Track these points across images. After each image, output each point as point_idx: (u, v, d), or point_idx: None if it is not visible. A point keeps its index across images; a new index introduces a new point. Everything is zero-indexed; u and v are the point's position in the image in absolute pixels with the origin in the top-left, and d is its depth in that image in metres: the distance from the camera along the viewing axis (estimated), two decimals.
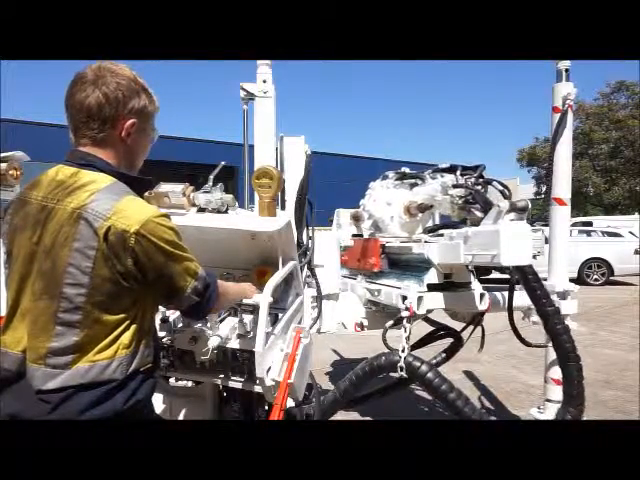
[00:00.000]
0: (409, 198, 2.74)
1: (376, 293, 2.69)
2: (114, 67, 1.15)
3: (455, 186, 2.39)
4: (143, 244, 1.05)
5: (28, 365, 1.06)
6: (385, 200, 2.83)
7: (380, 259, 2.69)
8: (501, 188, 2.45)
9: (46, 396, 1.03)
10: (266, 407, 1.80)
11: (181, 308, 1.24)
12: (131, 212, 1.06)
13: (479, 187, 2.37)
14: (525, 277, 2.21)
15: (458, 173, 2.50)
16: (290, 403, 1.66)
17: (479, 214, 2.27)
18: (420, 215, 2.71)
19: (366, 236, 3.07)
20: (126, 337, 1.09)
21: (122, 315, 1.09)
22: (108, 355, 1.06)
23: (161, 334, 1.56)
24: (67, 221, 1.05)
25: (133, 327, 1.11)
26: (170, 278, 1.12)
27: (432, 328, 3.35)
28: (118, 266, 1.05)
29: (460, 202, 2.34)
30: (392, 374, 2.35)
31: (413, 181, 2.85)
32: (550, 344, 2.76)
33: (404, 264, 2.73)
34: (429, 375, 2.19)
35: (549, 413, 2.83)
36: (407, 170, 2.98)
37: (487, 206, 2.18)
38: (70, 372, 1.04)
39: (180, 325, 1.63)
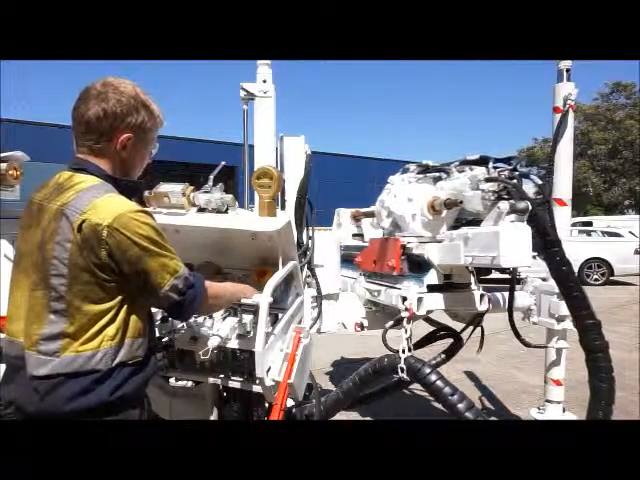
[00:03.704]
0: (433, 193, 2.47)
1: (376, 293, 2.68)
2: (117, 83, 1.21)
3: (488, 180, 2.15)
4: (116, 237, 1.09)
5: (25, 352, 1.12)
6: (406, 196, 2.54)
7: (401, 261, 2.43)
8: (540, 182, 2.26)
9: (37, 383, 1.09)
10: (266, 406, 1.80)
11: (162, 306, 1.27)
12: (107, 207, 1.11)
13: (515, 181, 2.14)
14: (563, 282, 2.05)
15: (490, 165, 2.27)
16: (290, 403, 1.66)
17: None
18: (445, 212, 2.45)
19: (375, 235, 2.91)
20: (111, 329, 1.13)
21: (105, 306, 1.13)
22: (93, 346, 1.11)
23: (161, 334, 1.56)
24: (53, 218, 1.13)
25: (118, 320, 1.15)
26: (146, 274, 1.14)
27: (432, 328, 3.34)
28: (92, 257, 1.10)
29: (493, 198, 2.12)
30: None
31: (437, 175, 2.58)
32: (550, 345, 2.78)
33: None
34: (430, 377, 2.17)
35: (549, 413, 2.84)
36: (430, 162, 2.70)
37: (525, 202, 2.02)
38: (58, 360, 1.09)
39: (180, 325, 1.63)
